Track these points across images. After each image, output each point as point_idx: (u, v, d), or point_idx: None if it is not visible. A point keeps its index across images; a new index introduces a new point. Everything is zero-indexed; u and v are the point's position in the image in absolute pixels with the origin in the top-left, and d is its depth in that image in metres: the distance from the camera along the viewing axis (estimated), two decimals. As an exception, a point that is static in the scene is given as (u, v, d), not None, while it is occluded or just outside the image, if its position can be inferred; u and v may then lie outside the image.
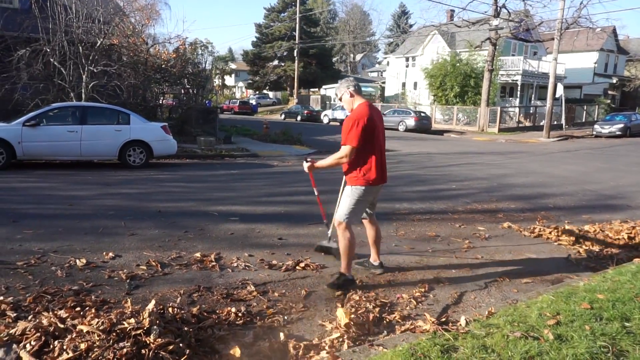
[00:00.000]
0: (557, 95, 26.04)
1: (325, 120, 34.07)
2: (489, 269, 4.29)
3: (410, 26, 63.28)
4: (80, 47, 13.05)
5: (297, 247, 4.76)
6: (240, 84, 64.71)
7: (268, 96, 54.60)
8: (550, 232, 5.51)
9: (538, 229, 5.67)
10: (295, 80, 42.56)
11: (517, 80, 31.47)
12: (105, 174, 9.08)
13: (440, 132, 27.81)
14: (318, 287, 3.73)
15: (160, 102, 17.89)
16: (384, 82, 47.89)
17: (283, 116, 37.39)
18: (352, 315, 3.13)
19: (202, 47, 19.78)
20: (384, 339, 2.77)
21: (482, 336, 2.59)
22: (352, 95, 3.73)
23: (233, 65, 64.67)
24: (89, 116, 9.85)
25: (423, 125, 27.15)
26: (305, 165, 3.87)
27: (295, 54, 40.69)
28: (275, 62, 51.42)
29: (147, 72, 15.99)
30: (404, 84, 41.18)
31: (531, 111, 32.40)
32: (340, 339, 2.80)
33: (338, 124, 32.46)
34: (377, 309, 3.29)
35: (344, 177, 3.84)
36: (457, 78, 30.50)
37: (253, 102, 47.38)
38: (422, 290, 3.70)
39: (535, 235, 5.49)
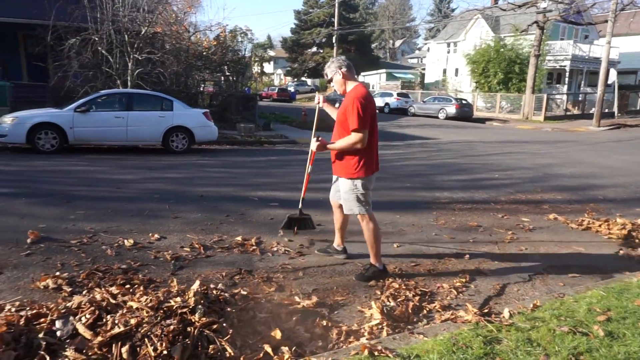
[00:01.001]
0: (609, 82, 24.62)
1: (364, 108, 33.71)
2: (533, 261, 4.16)
3: (453, 10, 61.44)
4: (126, 36, 13.45)
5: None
6: (279, 71, 65.01)
7: (306, 83, 54.61)
8: (599, 225, 5.27)
9: (587, 221, 5.43)
10: (334, 67, 42.28)
11: (565, 66, 30.05)
12: (150, 159, 9.39)
13: (482, 120, 27.01)
14: (357, 273, 3.73)
15: (201, 89, 18.25)
16: (423, 69, 46.89)
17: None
18: (392, 303, 3.12)
19: (242, 35, 19.88)
20: (424, 328, 2.74)
21: (526, 329, 2.52)
22: (344, 76, 3.50)
23: (272, 53, 64.97)
24: (135, 103, 10.19)
25: (464, 113, 26.46)
26: (314, 144, 3.54)
27: (333, 41, 40.35)
28: (314, 49, 51.28)
29: (189, 60, 16.32)
30: (444, 71, 40.18)
31: (580, 98, 30.88)
32: (380, 326, 2.80)
33: (377, 111, 32.08)
34: (417, 298, 3.26)
35: (333, 170, 3.67)
36: (501, 64, 29.43)
37: (291, 89, 47.54)
38: (463, 280, 3.64)
39: (584, 228, 5.26)
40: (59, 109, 9.74)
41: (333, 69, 3.54)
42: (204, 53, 17.40)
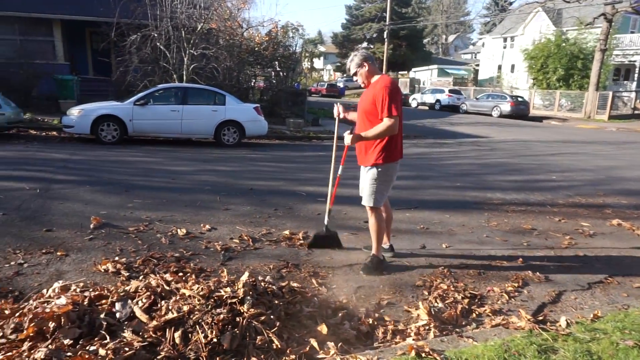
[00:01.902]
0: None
1: (414, 104, 33.19)
2: (593, 269, 3.93)
3: (510, 4, 58.90)
4: (183, 32, 13.92)
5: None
6: (329, 66, 65.08)
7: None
8: (669, 234, 4.90)
9: (655, 229, 5.06)
10: (384, 62, 41.78)
11: (635, 61, 28.10)
12: (202, 152, 9.69)
13: (539, 119, 25.82)
14: (404, 272, 3.68)
15: (252, 84, 18.60)
16: (477, 65, 45.38)
17: (370, 99, 36.98)
18: (440, 304, 3.06)
19: (293, 30, 20.05)
20: (474, 332, 2.67)
21: (585, 340, 2.39)
22: (369, 69, 3.52)
23: (322, 48, 65.12)
24: (190, 97, 10.54)
25: (520, 111, 25.37)
26: (348, 137, 3.46)
27: (384, 36, 39.83)
28: (364, 45, 50.86)
29: (241, 55, 16.67)
30: (499, 67, 38.71)
31: (650, 97, 28.77)
32: (427, 327, 2.75)
33: (427, 108, 31.49)
34: (466, 301, 3.17)
35: (359, 160, 3.67)
36: (562, 59, 27.94)
37: (340, 84, 47.47)
38: (516, 285, 3.50)
39: (651, 236, 4.91)
40: (120, 102, 10.25)
41: (357, 62, 3.54)
42: (256, 48, 17.70)
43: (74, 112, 9.81)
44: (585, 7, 26.13)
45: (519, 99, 26.43)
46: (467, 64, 51.00)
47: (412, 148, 12.73)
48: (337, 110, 3.84)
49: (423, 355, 2.24)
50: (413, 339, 2.58)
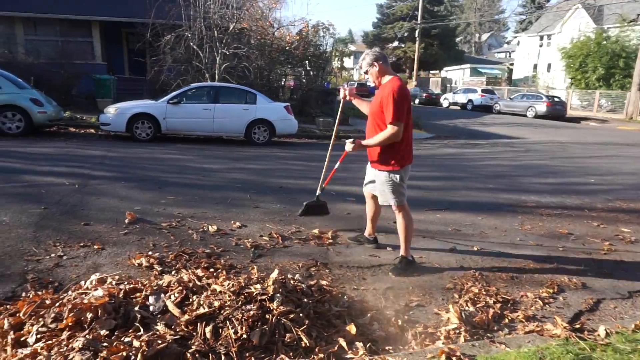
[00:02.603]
0: None
1: (445, 104, 32.69)
2: (634, 277, 3.77)
3: (548, 0, 57.14)
4: (216, 32, 14.16)
5: (413, 232, 4.65)
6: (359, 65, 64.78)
7: (386, 78, 53.90)
8: None
9: (702, 236, 4.81)
10: (415, 61, 41.34)
11: (681, 61, 26.70)
12: (233, 150, 9.83)
13: (577, 120, 24.98)
14: (434, 274, 3.63)
15: (283, 83, 18.73)
16: (511, 64, 44.28)
17: (400, 99, 36.62)
18: (471, 308, 2.99)
19: (324, 30, 20.06)
20: (506, 337, 2.60)
21: (626, 352, 2.29)
22: (380, 69, 3.49)
23: (352, 47, 64.81)
24: (221, 95, 10.71)
25: (556, 112, 24.61)
26: (349, 145, 3.54)
27: (416, 35, 39.39)
28: (395, 44, 50.46)
29: (272, 54, 16.81)
30: (535, 66, 37.63)
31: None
32: (457, 331, 2.70)
33: (459, 108, 30.94)
34: (498, 305, 3.09)
35: (370, 162, 3.71)
36: (603, 58, 26.89)
37: (370, 84, 46.92)
38: (550, 291, 3.39)
39: (698, 244, 4.67)
40: (154, 101, 10.52)
41: (369, 61, 3.54)
42: (287, 48, 17.81)
43: (111, 110, 10.13)
44: (629, 4, 25.06)
45: (556, 99, 25.64)
46: (501, 63, 49.81)
47: (444, 148, 12.54)
48: (343, 92, 3.86)
49: (454, 359, 2.20)
50: (443, 343, 2.54)
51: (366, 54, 3.59)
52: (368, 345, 2.41)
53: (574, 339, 2.44)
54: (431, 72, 49.21)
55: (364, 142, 3.52)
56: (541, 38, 37.35)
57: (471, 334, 2.69)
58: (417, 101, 34.33)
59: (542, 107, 24.68)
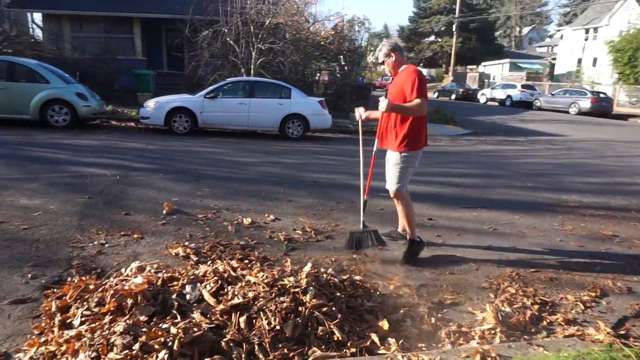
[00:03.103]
0: None
1: (482, 100, 31.88)
2: (684, 282, 3.57)
3: (595, -8, 54.59)
4: (252, 27, 14.31)
5: (448, 229, 4.59)
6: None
7: (421, 73, 53.04)
8: None
9: None
10: (452, 56, 40.46)
11: None
12: (267, 144, 9.93)
13: (624, 117, 23.82)
14: (469, 273, 3.56)
15: (317, 78, 18.73)
16: (554, 58, 42.71)
17: (436, 94, 36.04)
18: (507, 309, 2.92)
19: (359, 24, 19.90)
20: (544, 340, 2.52)
21: (675, 359, 2.18)
22: (397, 59, 3.61)
23: (387, 42, 64.14)
24: (257, 90, 10.83)
25: (601, 108, 23.54)
26: (384, 103, 3.37)
27: (453, 29, 38.52)
28: (432, 38, 49.56)
29: (307, 49, 16.84)
30: (579, 60, 36.14)
31: None
32: (492, 331, 2.64)
33: (497, 103, 30.12)
34: (536, 307, 3.00)
35: (381, 143, 3.77)
36: (654, 52, 25.50)
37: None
38: (593, 294, 3.25)
39: None
40: (192, 95, 10.75)
41: (385, 52, 3.64)
42: (322, 43, 17.79)
43: (150, 104, 10.43)
44: (684, -6, 23.66)
45: (601, 95, 24.53)
46: (543, 58, 48.07)
47: (480, 145, 12.25)
48: (359, 113, 3.90)
49: (489, 359, 2.15)
50: (477, 343, 2.49)
51: (382, 45, 3.70)
52: (401, 341, 2.39)
53: (618, 345, 2.34)
54: (468, 67, 48.08)
55: (396, 105, 3.49)
56: (587, 31, 35.79)
57: (507, 335, 2.63)
58: (453, 97, 33.62)
59: (586, 104, 23.68)
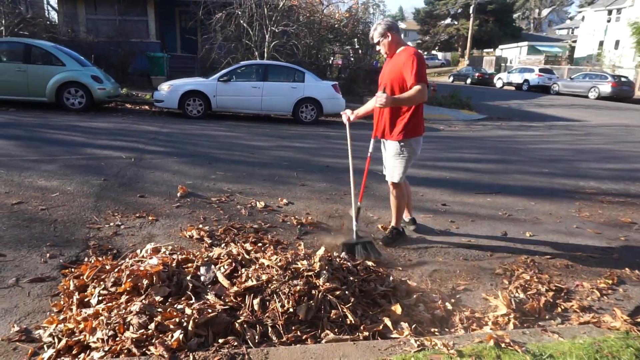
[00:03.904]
0: None
1: (499, 84, 31.31)
2: None
3: (619, -28, 52.78)
4: (265, 9, 14.17)
5: (462, 215, 4.55)
6: (409, 44, 63.13)
7: (436, 57, 52.26)
8: None
9: None
10: (469, 39, 39.70)
11: None
12: (280, 128, 9.91)
13: (646, 102, 23.20)
14: (482, 259, 3.53)
15: (331, 62, 18.55)
16: (574, 41, 41.64)
17: (451, 78, 35.49)
18: (522, 295, 2.90)
19: (374, 7, 19.60)
20: (559, 327, 2.50)
21: (693, 349, 2.14)
22: (393, 39, 3.41)
23: (403, 25, 63.15)
24: (270, 74, 10.76)
25: (622, 93, 22.97)
26: (382, 97, 3.17)
27: (470, 11, 37.69)
28: (448, 21, 48.60)
29: (321, 32, 16.66)
30: (601, 43, 35.17)
31: None
32: (506, 318, 2.62)
33: (514, 88, 29.57)
34: (551, 294, 2.97)
35: (377, 133, 3.67)
36: (680, 34, 24.68)
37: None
38: (610, 282, 3.21)
39: None
40: (205, 79, 10.73)
41: (381, 31, 3.42)
42: (336, 25, 17.57)
43: (164, 87, 10.44)
44: None
45: (622, 79, 23.90)
46: (562, 41, 46.87)
47: (496, 130, 12.07)
48: (346, 116, 3.80)
49: (503, 345, 2.14)
50: (491, 328, 2.48)
51: (377, 24, 3.47)
52: (414, 326, 2.39)
53: (635, 332, 2.31)
54: (485, 50, 47.15)
55: (395, 96, 3.35)
56: (609, 12, 34.72)
57: (521, 321, 2.61)
58: (469, 81, 33.07)
59: (606, 88, 23.11)
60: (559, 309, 2.81)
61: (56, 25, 17.17)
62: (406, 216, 4.11)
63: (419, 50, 3.46)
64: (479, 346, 2.14)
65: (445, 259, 3.48)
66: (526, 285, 3.08)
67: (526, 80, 28.38)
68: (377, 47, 3.56)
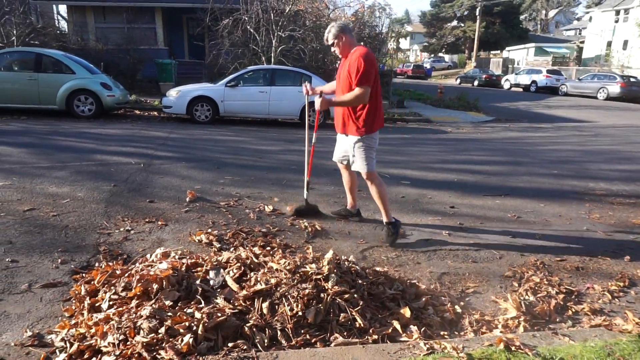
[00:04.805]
0: None
1: (506, 86, 31.17)
2: None
3: (627, -28, 52.35)
4: (272, 14, 14.24)
5: (470, 217, 4.53)
6: (415, 47, 63.10)
7: (443, 59, 52.14)
8: None
9: None
10: (475, 41, 39.59)
11: None
12: (287, 132, 9.94)
13: (656, 102, 22.93)
14: (492, 261, 3.51)
15: (337, 66, 18.57)
16: (582, 42, 41.33)
17: (458, 81, 35.39)
18: (531, 298, 2.88)
19: (380, 10, 19.60)
20: (570, 330, 2.48)
21: None
22: (347, 41, 3.54)
23: (409, 28, 63.18)
24: (277, 78, 10.82)
25: (632, 93, 22.75)
26: (318, 102, 3.54)
27: (477, 13, 37.61)
28: (454, 23, 48.51)
29: (327, 36, 16.68)
30: (609, 44, 34.89)
31: None
32: (517, 320, 2.61)
33: (521, 89, 29.42)
34: (561, 296, 2.95)
35: (337, 128, 3.84)
36: (689, 34, 24.41)
37: (427, 65, 45.84)
38: (621, 284, 3.18)
39: None
40: (213, 84, 10.81)
41: (335, 33, 3.55)
42: (342, 29, 17.59)
43: (173, 93, 10.54)
44: None
45: (632, 80, 23.68)
46: (570, 42, 46.57)
47: (504, 132, 12.01)
48: (305, 88, 3.95)
49: (513, 348, 2.13)
50: (501, 331, 2.46)
51: (331, 27, 3.60)
52: (423, 329, 2.39)
53: (647, 335, 2.29)
54: (492, 52, 46.99)
55: (333, 99, 3.59)
56: (617, 13, 34.43)
57: (531, 324, 2.60)
58: (476, 83, 32.95)
59: (615, 88, 22.91)
60: (570, 312, 2.79)
61: (66, 34, 17.41)
62: (351, 206, 4.25)
63: (370, 51, 3.53)
64: (489, 349, 2.13)
65: (454, 262, 3.47)
66: (536, 288, 3.05)
67: (534, 82, 28.22)
68: (332, 49, 3.67)
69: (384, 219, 3.79)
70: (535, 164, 7.46)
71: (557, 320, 2.69)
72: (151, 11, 17.85)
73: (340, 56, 3.70)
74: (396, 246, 3.69)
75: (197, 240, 3.53)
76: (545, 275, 3.27)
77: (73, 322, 2.30)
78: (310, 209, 4.34)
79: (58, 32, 17.64)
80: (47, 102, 9.92)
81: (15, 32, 13.53)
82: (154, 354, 2.01)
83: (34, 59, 9.99)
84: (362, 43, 17.94)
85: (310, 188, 4.38)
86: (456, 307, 2.70)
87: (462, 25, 47.22)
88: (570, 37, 52.98)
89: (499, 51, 46.14)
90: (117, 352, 2.01)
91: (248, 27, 14.32)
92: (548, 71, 28.57)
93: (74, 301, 2.52)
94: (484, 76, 32.95)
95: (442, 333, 2.43)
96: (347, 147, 3.83)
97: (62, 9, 19.56)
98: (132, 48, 15.64)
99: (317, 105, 3.54)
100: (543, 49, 42.18)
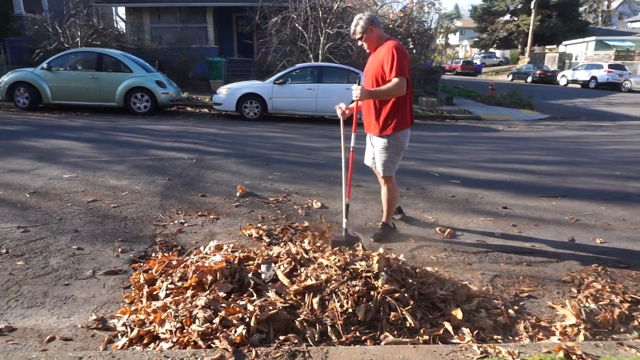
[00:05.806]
0: None
1: (563, 82, 29.69)
2: None
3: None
4: (320, 11, 14.28)
5: (525, 219, 4.36)
6: (465, 42, 61.29)
7: (494, 55, 50.33)
8: None
9: None
10: (529, 36, 37.92)
11: None
12: (334, 129, 9.93)
13: None
14: (548, 265, 3.36)
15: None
16: (649, 34, 38.52)
17: (511, 77, 34.08)
18: (592, 305, 2.73)
19: (429, 5, 19.21)
20: (637, 342, 2.33)
21: None
22: (376, 33, 3.37)
23: (458, 23, 61.47)
24: (324, 75, 10.85)
25: None
26: (357, 91, 3.23)
27: (532, 6, 35.97)
28: (507, 17, 46.63)
29: (375, 33, 16.53)
30: (680, 36, 32.31)
31: None
32: (576, 328, 2.49)
33: (579, 86, 27.94)
34: (626, 305, 2.77)
35: (366, 129, 3.68)
36: None
37: (477, 61, 44.45)
38: (693, 294, 2.95)
39: None
40: (261, 82, 11.00)
41: (363, 26, 3.35)
42: (390, 25, 17.39)
43: (223, 91, 10.81)
44: None
45: None
46: (635, 34, 43.62)
47: (560, 130, 11.46)
48: (341, 110, 3.62)
49: (574, 357, 2.03)
50: (559, 339, 2.36)
51: (359, 19, 3.38)
52: (475, 332, 2.32)
53: None
54: (547, 47, 44.83)
55: (371, 90, 3.37)
56: (690, 3, 31.90)
57: (592, 333, 2.46)
58: (529, 79, 31.61)
59: (686, 84, 21.27)
60: (636, 322, 2.62)
61: (124, 35, 18.26)
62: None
63: (401, 43, 3.39)
64: (547, 357, 2.04)
65: (507, 264, 3.35)
66: (597, 295, 2.89)
67: (593, 77, 26.70)
68: (360, 43, 3.50)
69: (383, 219, 3.77)
70: (595, 165, 7.06)
71: (622, 330, 2.54)
72: (203, 10, 18.39)
73: (368, 50, 3.52)
74: (448, 247, 3.61)
75: (247, 235, 3.61)
76: (607, 282, 3.09)
77: (133, 308, 2.41)
78: (350, 242, 3.20)
79: (117, 32, 18.54)
80: (107, 99, 10.46)
81: (79, 33, 14.34)
82: (209, 342, 2.07)
83: (96, 59, 10.56)
84: (410, 38, 17.67)
85: (348, 213, 3.52)
86: (510, 310, 2.61)
87: (516, 19, 45.35)
88: (636, 29, 49.61)
89: (554, 46, 43.96)
90: (174, 339, 2.10)
91: (296, 24, 14.44)
92: (610, 66, 26.92)
93: (133, 289, 2.65)
94: (538, 72, 31.52)
95: (495, 337, 2.36)
96: (374, 148, 3.71)
97: (121, 10, 20.54)
98: (184, 47, 16.19)
99: (355, 95, 3.27)
100: (604, 43, 39.73)
